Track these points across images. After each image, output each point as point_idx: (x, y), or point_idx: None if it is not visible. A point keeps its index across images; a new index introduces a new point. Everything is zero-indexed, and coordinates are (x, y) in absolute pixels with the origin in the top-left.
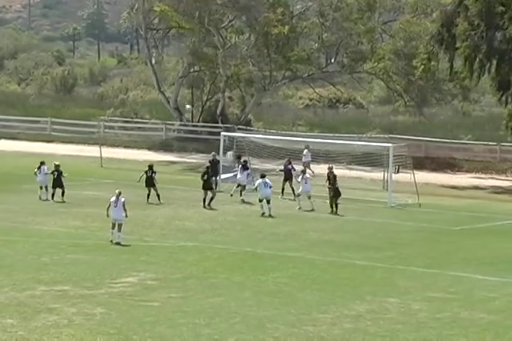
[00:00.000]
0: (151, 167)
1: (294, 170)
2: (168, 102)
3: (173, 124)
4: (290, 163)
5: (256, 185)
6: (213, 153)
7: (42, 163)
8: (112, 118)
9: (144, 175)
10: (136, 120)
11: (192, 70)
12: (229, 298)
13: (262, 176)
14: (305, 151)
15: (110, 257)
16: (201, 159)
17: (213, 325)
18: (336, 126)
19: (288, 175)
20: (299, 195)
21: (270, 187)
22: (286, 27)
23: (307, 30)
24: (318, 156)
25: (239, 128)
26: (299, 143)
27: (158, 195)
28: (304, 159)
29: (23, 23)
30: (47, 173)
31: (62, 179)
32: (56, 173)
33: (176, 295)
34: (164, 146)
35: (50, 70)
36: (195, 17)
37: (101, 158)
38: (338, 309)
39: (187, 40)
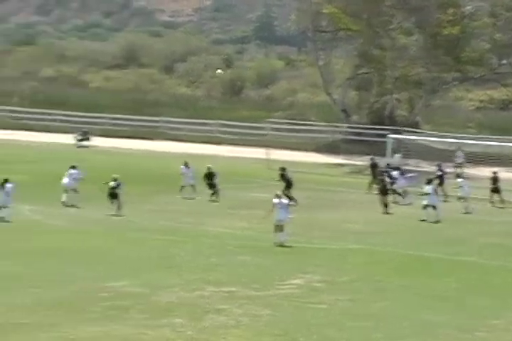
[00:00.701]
0: (283, 169)
1: (445, 173)
2: (336, 104)
3: (340, 126)
4: (440, 168)
5: (428, 191)
6: (371, 156)
7: (185, 164)
8: (279, 120)
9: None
10: (303, 122)
11: (360, 72)
12: (397, 302)
13: (429, 182)
14: (458, 153)
15: (277, 259)
16: (368, 161)
17: (381, 328)
18: (507, 128)
19: (440, 180)
20: (461, 198)
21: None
22: (457, 28)
23: (478, 30)
24: (488, 159)
25: (406, 131)
26: (468, 146)
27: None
28: (456, 160)
29: (194, 27)
30: (185, 173)
31: (216, 181)
32: (209, 175)
33: (344, 297)
34: (331, 148)
35: None
36: (363, 19)
37: (268, 160)
38: (511, 315)
39: (355, 42)
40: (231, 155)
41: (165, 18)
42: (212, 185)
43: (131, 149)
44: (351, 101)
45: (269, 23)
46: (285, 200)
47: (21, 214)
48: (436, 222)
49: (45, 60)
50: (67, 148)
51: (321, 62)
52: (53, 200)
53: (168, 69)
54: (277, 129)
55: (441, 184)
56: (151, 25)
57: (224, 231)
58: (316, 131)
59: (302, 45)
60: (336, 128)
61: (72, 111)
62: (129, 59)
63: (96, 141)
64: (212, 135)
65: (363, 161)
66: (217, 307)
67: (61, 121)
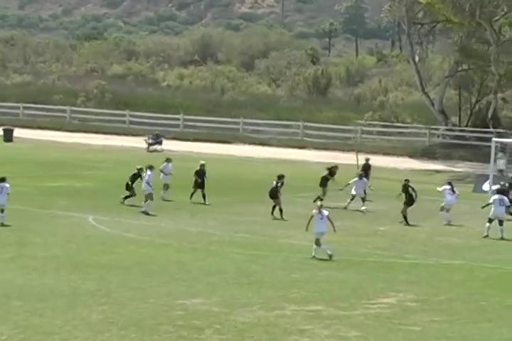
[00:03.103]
0: (280, 177)
1: None
2: (433, 104)
3: (437, 129)
4: None
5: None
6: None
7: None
8: (370, 122)
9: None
10: (396, 124)
11: (460, 69)
12: (500, 324)
13: (499, 192)
14: None
15: (365, 275)
16: (469, 168)
17: None
18: None
19: None
20: None
21: (507, 206)
22: None
23: None
24: None
25: None
26: None
27: (280, 210)
28: None
29: (276, 19)
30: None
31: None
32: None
33: (440, 318)
34: (427, 153)
35: (303, 70)
36: (465, 9)
37: (357, 165)
38: None
39: (455, 35)
40: (320, 160)
41: (244, 9)
42: (200, 185)
43: (208, 154)
44: (450, 102)
45: (359, 14)
46: (326, 212)
47: (86, 225)
48: (502, 238)
49: (113, 57)
50: (138, 153)
51: (416, 58)
52: (121, 209)
53: (248, 66)
54: (368, 132)
55: None
56: (229, 17)
57: (309, 245)
58: (410, 134)
59: (396, 39)
60: (434, 131)
61: (142, 111)
62: (205, 55)
63: (169, 145)
64: (296, 138)
65: (463, 168)
66: (300, 328)
67: (130, 122)
